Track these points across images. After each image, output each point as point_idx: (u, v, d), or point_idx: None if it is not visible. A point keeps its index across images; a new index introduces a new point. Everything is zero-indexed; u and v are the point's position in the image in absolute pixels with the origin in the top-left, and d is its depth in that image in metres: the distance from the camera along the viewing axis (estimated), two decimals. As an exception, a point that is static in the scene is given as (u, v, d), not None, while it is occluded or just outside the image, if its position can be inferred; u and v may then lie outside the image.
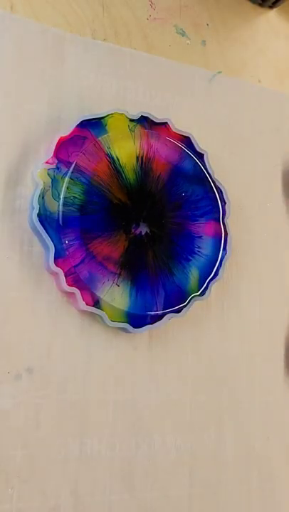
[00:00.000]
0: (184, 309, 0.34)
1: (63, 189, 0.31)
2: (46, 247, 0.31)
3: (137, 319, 0.32)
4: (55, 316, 0.32)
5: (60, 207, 0.31)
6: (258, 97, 0.43)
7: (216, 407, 0.36)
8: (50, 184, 0.31)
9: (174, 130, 0.36)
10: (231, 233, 0.37)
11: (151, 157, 0.35)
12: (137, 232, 0.34)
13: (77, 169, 0.32)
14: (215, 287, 0.36)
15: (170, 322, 0.34)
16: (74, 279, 0.31)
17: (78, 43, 0.36)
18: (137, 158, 0.34)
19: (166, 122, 0.36)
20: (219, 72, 0.41)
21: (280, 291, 0.41)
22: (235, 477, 0.36)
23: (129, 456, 0.33)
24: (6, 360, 0.30)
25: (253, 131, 0.42)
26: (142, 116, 0.35)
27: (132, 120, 0.34)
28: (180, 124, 0.36)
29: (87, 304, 0.31)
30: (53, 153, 0.31)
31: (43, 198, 0.31)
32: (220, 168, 0.38)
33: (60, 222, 0.31)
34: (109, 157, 0.33)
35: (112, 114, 0.34)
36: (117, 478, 0.32)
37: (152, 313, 0.33)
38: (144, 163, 0.34)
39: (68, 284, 0.30)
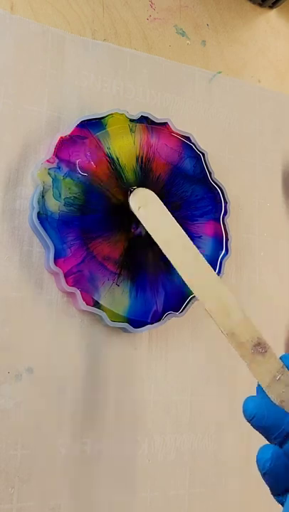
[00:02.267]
0: (184, 309, 0.34)
1: (64, 187, 0.31)
2: (46, 247, 0.31)
3: (137, 319, 0.32)
4: (55, 316, 0.32)
5: (61, 207, 0.31)
6: (258, 97, 0.43)
7: (215, 407, 0.36)
8: (51, 184, 0.31)
9: (174, 130, 0.36)
10: (231, 233, 0.37)
11: (151, 157, 0.35)
12: (137, 232, 0.34)
13: (78, 169, 0.32)
14: (215, 287, 0.36)
15: (170, 322, 0.34)
16: (74, 279, 0.31)
17: (78, 43, 0.36)
18: (137, 158, 0.34)
19: (166, 122, 0.36)
20: (219, 72, 0.41)
21: (280, 291, 0.41)
22: (235, 477, 0.36)
23: (129, 456, 0.33)
24: (6, 360, 0.30)
25: (253, 131, 0.42)
26: (142, 116, 0.35)
27: (132, 120, 0.34)
28: (180, 124, 0.36)
29: (87, 304, 0.31)
30: (53, 153, 0.31)
31: (43, 197, 0.31)
32: (220, 168, 0.38)
33: (59, 222, 0.31)
34: (109, 157, 0.33)
35: (112, 114, 0.34)
36: (117, 478, 0.32)
37: (152, 313, 0.33)
38: (144, 164, 0.34)
39: (68, 284, 0.30)
